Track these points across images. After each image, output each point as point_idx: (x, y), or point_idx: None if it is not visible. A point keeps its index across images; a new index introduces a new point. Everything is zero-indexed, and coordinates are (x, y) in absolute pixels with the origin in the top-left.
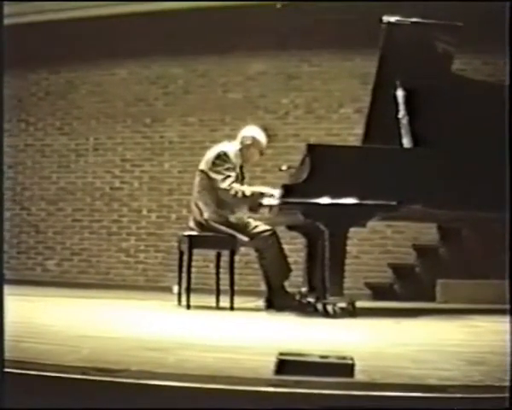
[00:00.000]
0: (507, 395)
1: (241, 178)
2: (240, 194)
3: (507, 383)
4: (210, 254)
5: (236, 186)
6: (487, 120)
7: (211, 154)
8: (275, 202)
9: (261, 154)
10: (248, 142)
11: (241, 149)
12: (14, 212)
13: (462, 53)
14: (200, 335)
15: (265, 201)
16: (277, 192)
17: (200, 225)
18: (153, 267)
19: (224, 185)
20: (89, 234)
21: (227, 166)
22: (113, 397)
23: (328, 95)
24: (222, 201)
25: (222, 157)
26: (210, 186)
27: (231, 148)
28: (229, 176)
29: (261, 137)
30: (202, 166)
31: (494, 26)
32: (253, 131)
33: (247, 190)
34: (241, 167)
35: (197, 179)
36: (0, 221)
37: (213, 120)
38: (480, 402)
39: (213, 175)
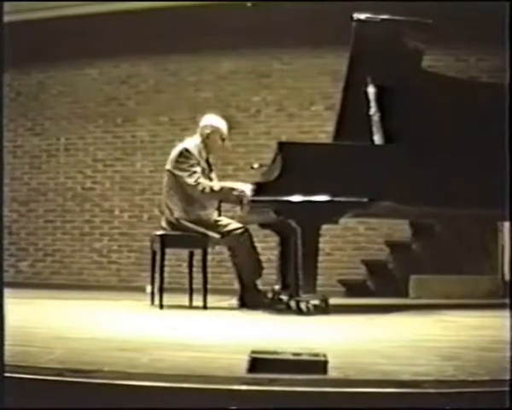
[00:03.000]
0: (480, 389)
1: (208, 171)
2: (208, 189)
3: (479, 378)
4: (183, 254)
5: (204, 182)
6: (458, 116)
7: (174, 152)
8: (249, 191)
9: (223, 140)
10: (207, 131)
11: (202, 141)
12: None
13: (435, 49)
14: (174, 334)
15: (235, 192)
16: (248, 187)
17: (172, 225)
18: (126, 267)
19: (191, 181)
20: (61, 235)
21: (191, 162)
22: (87, 398)
23: (299, 92)
24: (191, 198)
25: (184, 154)
26: (177, 185)
27: (192, 143)
28: (194, 172)
29: (219, 123)
30: (168, 165)
31: (466, 23)
32: (210, 120)
33: (216, 185)
34: (207, 160)
35: (165, 180)
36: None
37: (185, 119)
38: (456, 397)
39: (178, 173)
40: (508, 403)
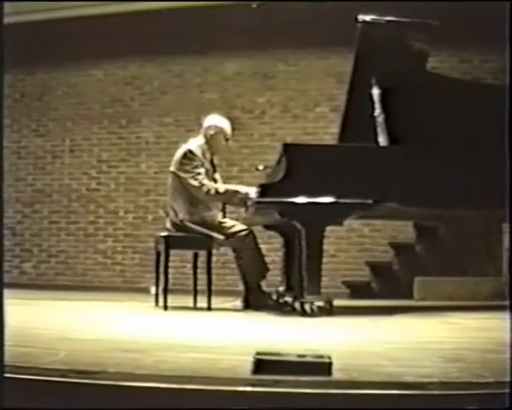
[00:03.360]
0: (485, 391)
1: (212, 172)
2: (213, 191)
3: (483, 380)
4: (187, 255)
5: (208, 183)
6: (463, 118)
7: (178, 154)
8: (254, 194)
9: (227, 140)
10: (212, 131)
11: (206, 142)
12: None
13: (439, 51)
14: (178, 336)
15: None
16: (252, 190)
17: (177, 226)
18: (130, 269)
19: (195, 183)
20: (65, 236)
21: (195, 163)
22: (91, 399)
23: (304, 94)
24: (195, 200)
25: (188, 155)
26: (181, 187)
27: (197, 144)
28: (198, 173)
29: (223, 124)
30: (172, 167)
31: (471, 24)
32: (214, 121)
33: (221, 187)
34: (212, 161)
35: (169, 181)
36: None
37: (189, 121)
38: (460, 399)
39: (183, 174)
40: (508, 404)
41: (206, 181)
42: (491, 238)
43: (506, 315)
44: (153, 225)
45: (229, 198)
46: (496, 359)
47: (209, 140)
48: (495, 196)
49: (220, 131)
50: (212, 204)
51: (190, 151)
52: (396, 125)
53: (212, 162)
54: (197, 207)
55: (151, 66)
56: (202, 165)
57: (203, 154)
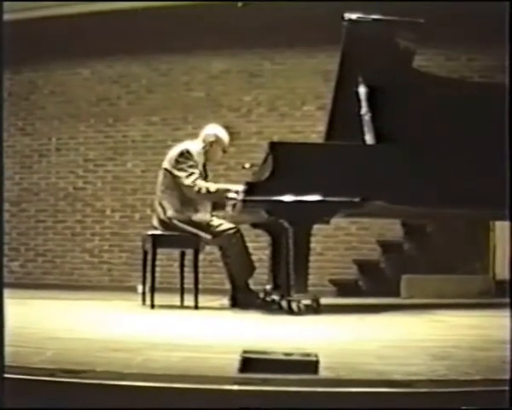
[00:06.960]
0: (472, 389)
1: (204, 177)
2: (204, 190)
3: (471, 378)
4: (174, 253)
5: (200, 183)
6: (450, 116)
7: (174, 152)
8: (239, 197)
9: (224, 151)
10: (211, 139)
11: (204, 147)
12: None
13: (426, 49)
14: (165, 334)
15: (230, 194)
16: (242, 188)
17: (164, 223)
18: (117, 267)
19: (188, 182)
20: (53, 235)
21: (190, 163)
22: (80, 398)
23: (290, 92)
24: (185, 199)
25: (185, 155)
26: (173, 184)
27: (194, 146)
28: (192, 173)
29: (224, 135)
30: (165, 164)
31: (458, 22)
32: (215, 130)
33: (212, 186)
34: (204, 166)
35: (160, 178)
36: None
37: (176, 119)
38: (447, 397)
39: (177, 173)
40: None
41: (198, 181)
42: (479, 236)
43: (494, 313)
44: (140, 224)
45: (219, 197)
46: (484, 357)
47: (207, 146)
48: (484, 194)
49: (220, 141)
50: (200, 206)
51: (188, 151)
52: (382, 124)
53: (204, 168)
54: (186, 206)
55: (138, 64)
56: (197, 166)
57: (198, 157)
